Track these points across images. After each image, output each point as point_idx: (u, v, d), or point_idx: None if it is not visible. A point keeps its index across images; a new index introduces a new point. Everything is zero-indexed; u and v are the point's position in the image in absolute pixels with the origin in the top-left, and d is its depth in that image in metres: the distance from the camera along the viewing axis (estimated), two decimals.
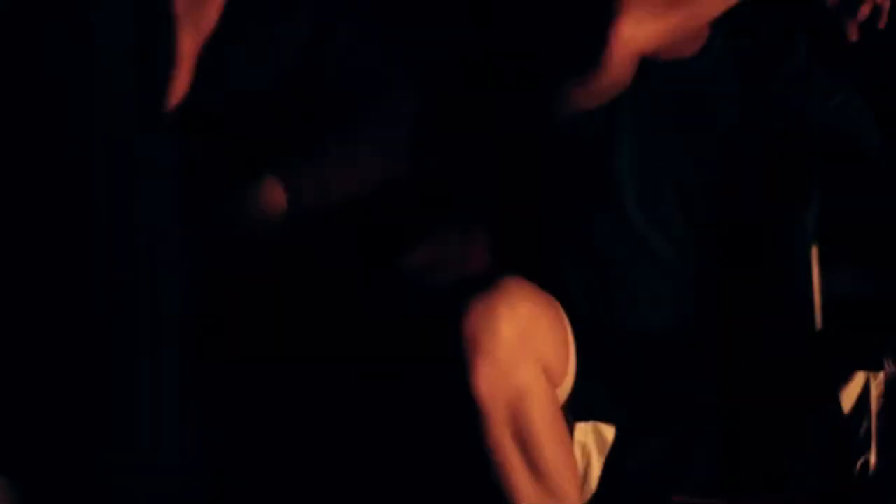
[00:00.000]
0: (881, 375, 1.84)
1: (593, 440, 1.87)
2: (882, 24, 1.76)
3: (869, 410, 1.86)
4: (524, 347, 1.69)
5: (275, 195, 1.86)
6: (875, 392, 1.86)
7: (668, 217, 1.90)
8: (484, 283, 1.72)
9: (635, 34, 1.68)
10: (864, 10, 1.78)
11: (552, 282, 1.84)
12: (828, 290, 2.05)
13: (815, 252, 2.05)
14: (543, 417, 1.71)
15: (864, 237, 1.86)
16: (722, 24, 1.91)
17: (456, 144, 2.25)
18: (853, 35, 1.77)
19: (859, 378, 1.88)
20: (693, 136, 1.91)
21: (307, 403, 1.98)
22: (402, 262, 2.06)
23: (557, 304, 1.81)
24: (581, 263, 1.93)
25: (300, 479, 1.96)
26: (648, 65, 1.87)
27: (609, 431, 1.88)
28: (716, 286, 1.92)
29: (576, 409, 1.83)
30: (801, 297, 2.01)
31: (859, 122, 1.90)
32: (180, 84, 1.04)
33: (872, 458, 1.82)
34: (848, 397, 1.88)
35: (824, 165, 1.89)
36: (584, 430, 1.86)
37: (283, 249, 1.97)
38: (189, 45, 1.19)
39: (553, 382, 1.76)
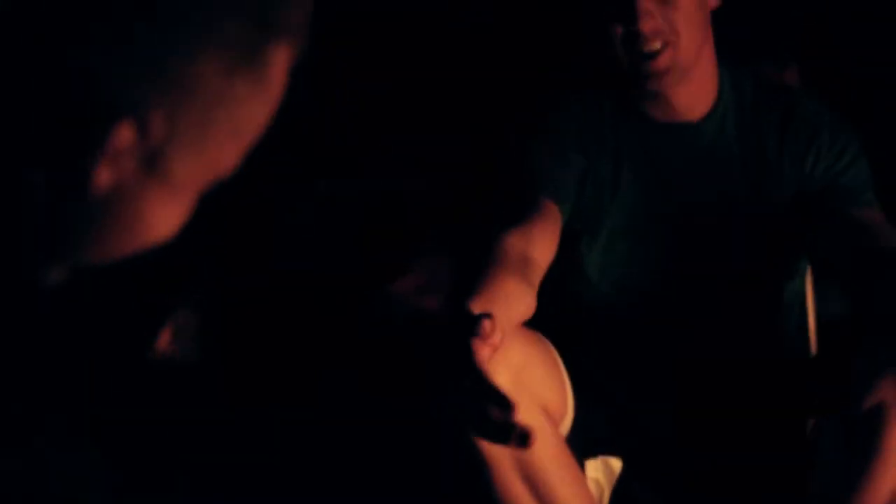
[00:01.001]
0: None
1: (604, 474, 1.86)
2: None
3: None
4: (521, 391, 1.66)
5: None
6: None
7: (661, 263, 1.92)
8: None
9: None
10: None
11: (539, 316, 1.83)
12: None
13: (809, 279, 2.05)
14: (551, 457, 1.69)
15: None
16: (726, 84, 1.92)
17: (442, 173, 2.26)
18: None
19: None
20: (692, 196, 1.91)
21: (308, 443, 1.97)
22: (391, 287, 2.06)
23: (547, 341, 1.79)
24: (566, 298, 1.94)
25: None
26: (655, 127, 1.88)
27: (616, 463, 1.87)
28: (709, 315, 1.92)
29: (580, 445, 1.82)
30: (796, 323, 2.01)
31: (858, 180, 1.90)
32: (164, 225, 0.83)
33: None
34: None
35: (819, 225, 1.89)
36: (594, 466, 1.85)
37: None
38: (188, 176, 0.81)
39: (554, 421, 1.75)
